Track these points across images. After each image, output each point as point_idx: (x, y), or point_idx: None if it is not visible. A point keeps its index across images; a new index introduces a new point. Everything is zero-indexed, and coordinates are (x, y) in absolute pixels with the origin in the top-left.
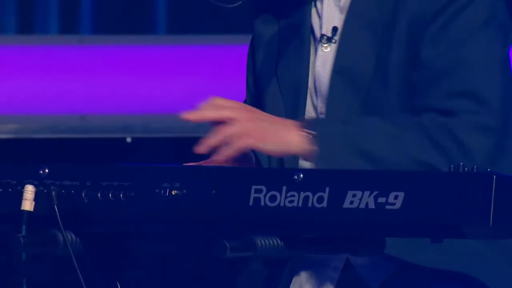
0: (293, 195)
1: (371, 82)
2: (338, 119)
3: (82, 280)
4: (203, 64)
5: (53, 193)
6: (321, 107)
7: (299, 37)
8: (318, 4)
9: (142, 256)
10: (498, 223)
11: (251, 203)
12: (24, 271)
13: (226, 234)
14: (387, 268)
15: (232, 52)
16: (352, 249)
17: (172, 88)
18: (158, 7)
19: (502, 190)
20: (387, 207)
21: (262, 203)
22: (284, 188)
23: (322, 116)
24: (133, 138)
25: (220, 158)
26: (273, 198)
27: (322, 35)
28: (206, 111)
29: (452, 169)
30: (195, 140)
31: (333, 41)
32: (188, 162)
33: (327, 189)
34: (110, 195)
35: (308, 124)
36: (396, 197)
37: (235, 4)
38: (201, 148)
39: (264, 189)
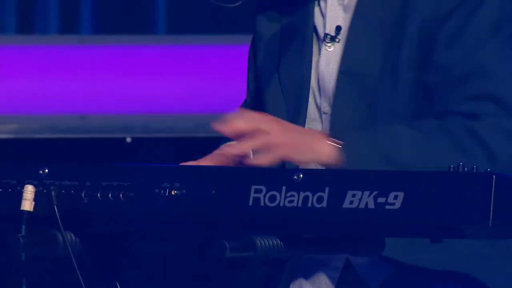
0: (293, 195)
1: (378, 82)
2: (364, 128)
3: (81, 280)
4: (203, 64)
5: (53, 193)
6: (325, 106)
7: (301, 36)
8: (322, 3)
9: (142, 256)
10: (498, 223)
11: (250, 203)
12: (24, 271)
13: (225, 234)
14: (387, 268)
15: (232, 52)
16: (352, 249)
17: (172, 88)
18: (158, 7)
19: (502, 190)
20: (387, 207)
21: (262, 203)
22: (284, 188)
23: (326, 115)
24: (133, 138)
25: (246, 161)
26: (272, 198)
27: (326, 34)
28: (239, 123)
29: (452, 169)
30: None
31: (337, 40)
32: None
33: (326, 189)
34: (110, 195)
35: (335, 134)
36: (395, 197)
37: (235, 4)
38: (234, 151)
39: (264, 189)
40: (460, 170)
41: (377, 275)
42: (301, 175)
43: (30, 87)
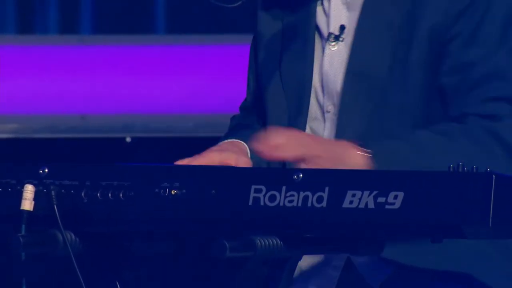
0: (293, 195)
1: (386, 82)
2: (388, 136)
3: (81, 280)
4: (202, 63)
5: (53, 192)
6: (328, 105)
7: (303, 35)
8: (325, 2)
9: (142, 256)
10: (498, 223)
11: (250, 203)
12: (24, 271)
13: (226, 234)
14: (388, 267)
15: (232, 51)
16: (352, 249)
17: (171, 88)
18: (158, 7)
19: (501, 190)
20: (387, 207)
21: (262, 203)
22: (284, 188)
23: (329, 114)
24: (133, 138)
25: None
26: (272, 198)
27: (330, 34)
28: (275, 140)
29: (452, 169)
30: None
31: (341, 39)
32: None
33: (326, 189)
34: (110, 194)
35: (362, 144)
36: (395, 197)
37: (235, 4)
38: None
39: (264, 189)
40: (460, 170)
41: (378, 274)
42: (301, 175)
43: (30, 87)
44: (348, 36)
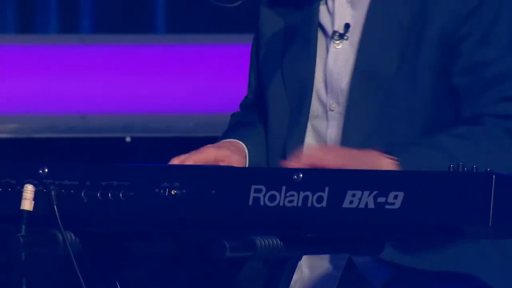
0: (293, 195)
1: (394, 82)
2: (413, 142)
3: (81, 280)
4: (202, 63)
5: (53, 192)
6: (332, 104)
7: (306, 34)
8: (329, 1)
9: (142, 256)
10: (498, 223)
11: (250, 203)
12: (24, 271)
13: (226, 234)
14: (389, 268)
15: (232, 51)
16: (352, 249)
17: (171, 87)
18: (158, 7)
19: (501, 190)
20: (387, 207)
21: (262, 203)
22: (284, 188)
23: (333, 113)
24: (132, 138)
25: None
26: (272, 198)
27: (335, 32)
28: (304, 160)
29: (452, 169)
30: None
31: (345, 37)
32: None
33: (326, 189)
34: (110, 195)
35: (389, 151)
36: (395, 197)
37: (235, 4)
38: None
39: (264, 189)
40: (460, 170)
41: (380, 274)
42: (301, 175)
43: (30, 87)
44: (353, 34)
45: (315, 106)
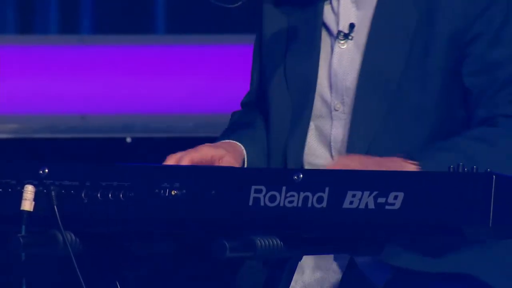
0: (293, 195)
1: (402, 82)
2: (431, 145)
3: (81, 280)
4: (202, 63)
5: (53, 193)
6: (337, 103)
7: (310, 33)
8: (334, 1)
9: (142, 256)
10: (498, 223)
11: (250, 203)
12: (24, 271)
13: (226, 234)
14: (391, 267)
15: (232, 51)
16: (352, 250)
17: (171, 88)
18: (158, 7)
19: (501, 190)
20: (387, 207)
21: (262, 203)
22: (284, 188)
23: (337, 112)
24: (133, 138)
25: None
26: (272, 198)
27: (339, 32)
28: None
29: (452, 169)
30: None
31: (350, 37)
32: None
33: (326, 189)
34: (110, 195)
35: (411, 156)
36: (395, 197)
37: (235, 4)
38: None
39: (264, 189)
40: (460, 170)
41: (381, 273)
42: (301, 175)
43: (30, 87)
44: (358, 34)
45: (318, 106)
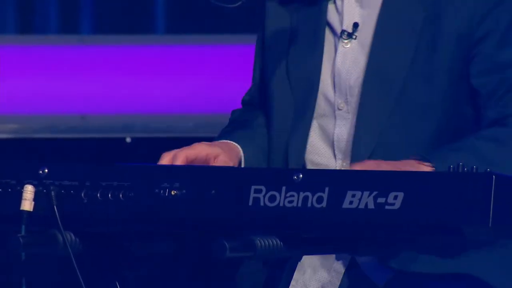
0: (293, 195)
1: (408, 81)
2: (445, 146)
3: (81, 280)
4: (202, 63)
5: (53, 193)
6: (340, 103)
7: (313, 32)
8: (338, 0)
9: (142, 256)
10: (498, 223)
11: (250, 203)
12: (23, 271)
13: (225, 234)
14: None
15: (232, 52)
16: (352, 250)
17: (171, 88)
18: (158, 7)
19: (501, 190)
20: (387, 207)
21: (262, 203)
22: (284, 188)
23: (341, 112)
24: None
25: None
26: (272, 198)
27: (343, 31)
28: None
29: (452, 169)
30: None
31: (354, 37)
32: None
33: (326, 189)
34: (110, 195)
35: (425, 158)
36: (395, 197)
37: (235, 4)
38: None
39: (264, 189)
40: (460, 170)
41: (382, 273)
42: (301, 175)
43: (30, 87)
44: (361, 33)
45: (321, 105)
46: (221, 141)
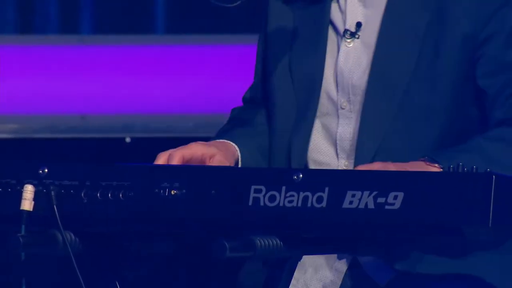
0: (293, 195)
1: (412, 83)
2: (453, 147)
3: (81, 280)
4: (202, 63)
5: (53, 193)
6: (343, 102)
7: (316, 31)
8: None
9: (142, 256)
10: (498, 223)
11: (250, 203)
12: (23, 271)
13: (225, 234)
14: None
15: (232, 51)
16: (352, 249)
17: (171, 88)
18: (158, 7)
19: (501, 190)
20: (387, 207)
21: (262, 203)
22: (284, 188)
23: (343, 111)
24: (132, 138)
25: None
26: (272, 198)
27: (346, 30)
28: None
29: (451, 169)
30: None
31: (357, 36)
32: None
33: (326, 189)
34: (110, 195)
35: (433, 159)
36: (395, 197)
37: (235, 4)
38: None
39: (264, 189)
40: (460, 170)
41: (384, 273)
42: (301, 175)
43: (30, 87)
44: (364, 33)
45: (324, 104)
46: (218, 140)
